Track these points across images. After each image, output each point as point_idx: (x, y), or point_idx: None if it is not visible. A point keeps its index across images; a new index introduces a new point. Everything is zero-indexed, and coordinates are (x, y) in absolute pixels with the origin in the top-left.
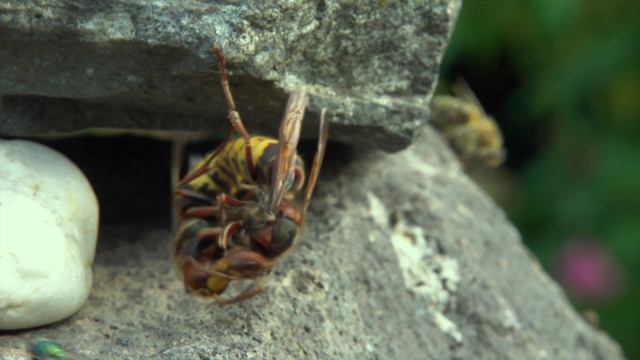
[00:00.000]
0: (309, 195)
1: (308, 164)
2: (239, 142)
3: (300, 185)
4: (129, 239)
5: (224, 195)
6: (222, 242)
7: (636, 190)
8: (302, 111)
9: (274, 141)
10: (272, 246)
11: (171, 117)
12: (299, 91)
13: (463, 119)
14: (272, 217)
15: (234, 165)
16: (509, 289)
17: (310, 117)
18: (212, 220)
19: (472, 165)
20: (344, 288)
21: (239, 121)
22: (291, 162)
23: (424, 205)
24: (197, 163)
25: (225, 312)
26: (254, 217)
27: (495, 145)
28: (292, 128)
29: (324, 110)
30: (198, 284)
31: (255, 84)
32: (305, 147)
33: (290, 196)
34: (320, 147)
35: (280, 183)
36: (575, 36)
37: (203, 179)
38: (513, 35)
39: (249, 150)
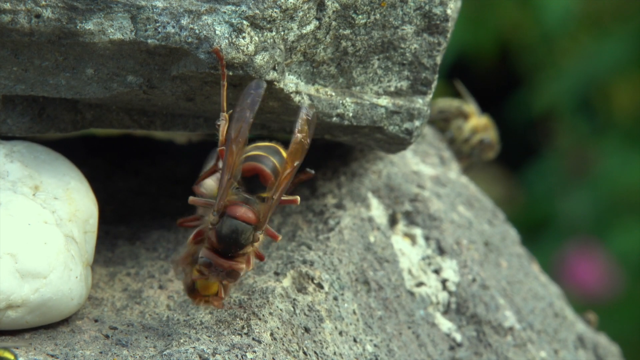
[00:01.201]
0: (275, 194)
1: (308, 166)
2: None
3: (270, 183)
4: (129, 240)
5: (190, 198)
6: (187, 241)
7: (636, 190)
8: (254, 111)
9: (261, 144)
10: (219, 247)
11: (171, 118)
12: (258, 86)
13: (462, 116)
14: (214, 217)
15: None
16: (508, 289)
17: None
18: None
19: (471, 164)
20: (344, 288)
21: (222, 124)
22: (239, 160)
23: (423, 205)
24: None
25: (224, 313)
26: (209, 220)
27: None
28: (240, 124)
29: (305, 102)
30: (191, 291)
31: None
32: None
33: (260, 199)
34: (295, 136)
35: (225, 181)
36: (575, 36)
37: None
38: (513, 35)
39: (222, 153)
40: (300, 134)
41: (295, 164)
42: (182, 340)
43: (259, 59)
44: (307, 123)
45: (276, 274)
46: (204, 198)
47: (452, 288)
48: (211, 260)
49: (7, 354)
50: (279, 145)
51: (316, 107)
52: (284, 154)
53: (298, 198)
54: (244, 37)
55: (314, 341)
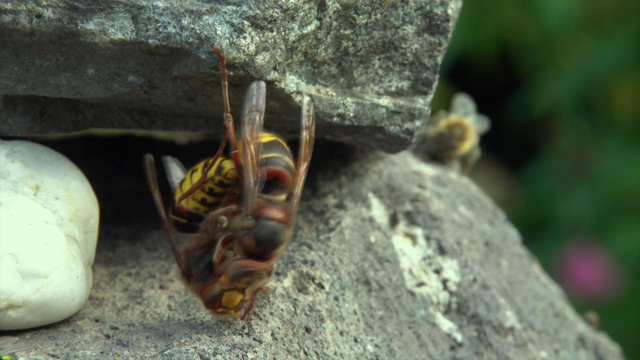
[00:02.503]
0: (296, 191)
1: (312, 165)
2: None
3: (287, 184)
4: (130, 240)
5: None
6: (215, 257)
7: (636, 190)
8: (263, 109)
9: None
10: (257, 250)
11: (172, 118)
12: (259, 87)
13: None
14: (250, 222)
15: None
16: (509, 289)
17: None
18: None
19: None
20: (345, 288)
21: (231, 124)
22: (258, 163)
23: (424, 205)
24: (174, 166)
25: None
26: (238, 226)
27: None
28: (252, 127)
29: (306, 99)
30: (216, 304)
31: None
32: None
33: (282, 197)
34: (304, 135)
35: (252, 185)
36: (576, 36)
37: (200, 195)
38: (513, 35)
39: (236, 157)
40: (307, 130)
41: (309, 160)
42: (183, 340)
43: (260, 59)
44: (312, 120)
45: (277, 274)
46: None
47: (453, 288)
48: (253, 268)
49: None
50: (277, 137)
51: (317, 107)
52: (286, 146)
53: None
54: (244, 37)
55: (315, 341)
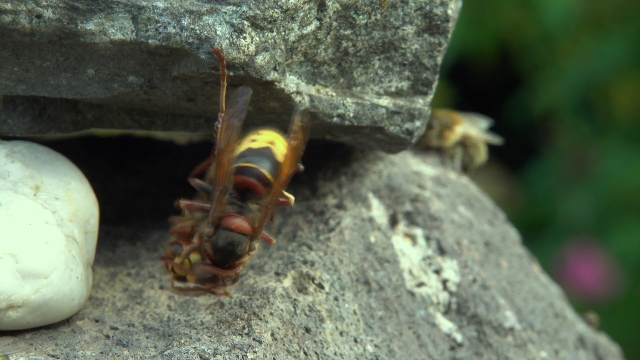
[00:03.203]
0: (267, 201)
1: (312, 165)
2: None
3: (261, 195)
4: (129, 240)
5: (182, 202)
6: (178, 260)
7: (636, 190)
8: (243, 117)
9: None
10: (216, 259)
11: (172, 118)
12: (243, 93)
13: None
14: (210, 230)
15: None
16: (509, 289)
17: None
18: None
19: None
20: (345, 289)
21: (220, 126)
22: (229, 171)
23: (424, 206)
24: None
25: (225, 313)
26: (202, 232)
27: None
28: (229, 134)
29: (299, 107)
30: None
31: (255, 85)
32: (306, 149)
33: (254, 207)
34: (292, 144)
35: (217, 194)
36: (576, 36)
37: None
38: (513, 36)
39: (219, 156)
40: (294, 141)
41: (289, 172)
42: (182, 341)
43: (260, 59)
44: (302, 129)
45: (277, 274)
46: (198, 203)
47: (453, 288)
48: (213, 274)
49: None
50: (275, 139)
51: (317, 107)
52: (277, 153)
53: (292, 199)
54: (244, 38)
55: (315, 341)
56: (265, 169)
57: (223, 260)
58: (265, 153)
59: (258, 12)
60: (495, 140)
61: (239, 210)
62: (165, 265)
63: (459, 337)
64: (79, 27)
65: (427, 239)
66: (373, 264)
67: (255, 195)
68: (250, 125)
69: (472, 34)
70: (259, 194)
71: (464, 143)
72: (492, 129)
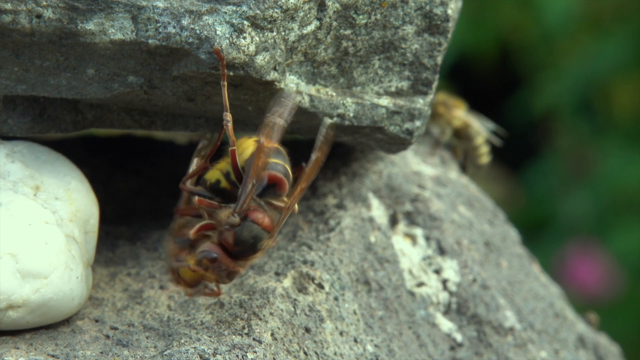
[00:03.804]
0: (291, 204)
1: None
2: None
3: (284, 193)
4: (130, 240)
5: (197, 198)
6: (191, 232)
7: (636, 190)
8: (288, 120)
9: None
10: (234, 249)
11: (172, 118)
12: (289, 97)
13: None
14: (236, 219)
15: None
16: (509, 289)
17: (310, 118)
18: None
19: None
20: (345, 289)
21: (230, 125)
22: (264, 167)
23: (424, 205)
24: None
25: (225, 313)
26: (222, 219)
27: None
28: (271, 132)
29: (327, 121)
30: (174, 276)
31: (255, 85)
32: (306, 149)
33: (280, 203)
34: (315, 156)
35: (250, 186)
36: (576, 36)
37: (216, 175)
38: (513, 36)
39: (233, 154)
40: (320, 153)
41: (310, 180)
42: (182, 341)
43: (260, 59)
44: (327, 142)
45: (277, 274)
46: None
47: (453, 288)
48: (218, 257)
49: None
50: (278, 144)
51: (317, 107)
52: (286, 154)
53: (296, 207)
54: (244, 38)
55: (315, 341)
56: (288, 167)
57: (241, 252)
58: (281, 152)
59: (258, 12)
60: (495, 140)
61: (261, 207)
62: (172, 275)
63: (459, 337)
64: (79, 27)
65: (427, 238)
66: (373, 264)
67: (278, 191)
68: (250, 125)
69: (472, 34)
70: (283, 190)
71: (461, 133)
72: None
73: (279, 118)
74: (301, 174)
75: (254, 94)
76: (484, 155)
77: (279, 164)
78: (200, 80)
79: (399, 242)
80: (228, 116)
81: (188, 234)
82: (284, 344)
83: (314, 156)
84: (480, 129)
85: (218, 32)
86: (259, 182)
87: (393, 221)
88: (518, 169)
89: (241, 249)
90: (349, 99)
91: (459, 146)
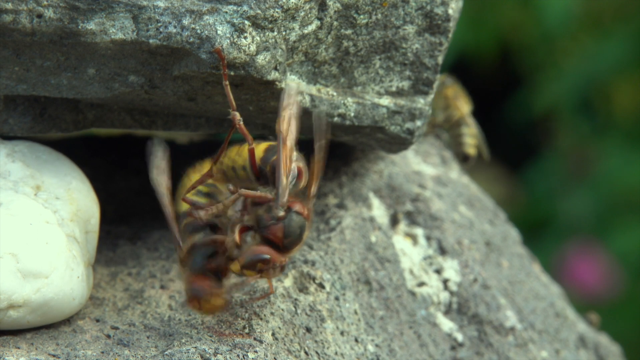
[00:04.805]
0: (312, 191)
1: (309, 163)
2: (234, 149)
3: (303, 183)
4: (130, 239)
5: (242, 190)
6: (236, 237)
7: (636, 190)
8: (295, 108)
9: (273, 142)
10: (284, 242)
11: (172, 118)
12: (291, 88)
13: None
14: (281, 212)
15: (233, 173)
16: (510, 289)
17: (311, 117)
18: (216, 232)
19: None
20: (345, 288)
21: (242, 123)
22: (292, 159)
23: (425, 205)
24: (159, 148)
25: (226, 313)
26: (263, 215)
27: (463, 110)
28: (289, 124)
29: (317, 112)
30: (194, 302)
31: (256, 84)
32: (306, 147)
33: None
34: (319, 144)
35: (284, 179)
36: (576, 36)
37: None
38: (513, 35)
39: (252, 152)
40: (324, 140)
41: (323, 168)
42: (183, 340)
43: (261, 59)
44: (326, 130)
45: None
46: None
47: (454, 288)
48: (270, 256)
49: None
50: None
51: (317, 107)
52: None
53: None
54: (245, 37)
55: (316, 341)
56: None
57: (290, 244)
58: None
59: (259, 11)
60: (484, 150)
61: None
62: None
63: (459, 337)
64: (79, 27)
65: (428, 238)
66: (374, 263)
67: (298, 182)
68: (251, 124)
69: (473, 34)
70: (301, 181)
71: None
72: (493, 129)
73: (295, 104)
74: (312, 162)
75: (255, 94)
76: (469, 146)
77: (299, 156)
78: (201, 80)
79: (400, 241)
80: (237, 115)
81: (231, 241)
82: (284, 344)
83: (319, 144)
84: (475, 129)
85: (219, 32)
86: (291, 174)
87: (394, 221)
88: (518, 169)
89: (290, 240)
90: (349, 99)
91: (444, 127)
